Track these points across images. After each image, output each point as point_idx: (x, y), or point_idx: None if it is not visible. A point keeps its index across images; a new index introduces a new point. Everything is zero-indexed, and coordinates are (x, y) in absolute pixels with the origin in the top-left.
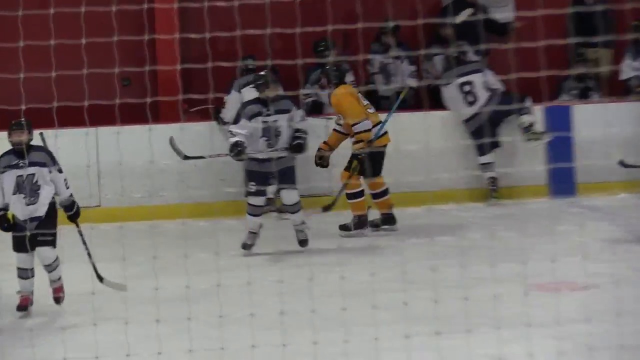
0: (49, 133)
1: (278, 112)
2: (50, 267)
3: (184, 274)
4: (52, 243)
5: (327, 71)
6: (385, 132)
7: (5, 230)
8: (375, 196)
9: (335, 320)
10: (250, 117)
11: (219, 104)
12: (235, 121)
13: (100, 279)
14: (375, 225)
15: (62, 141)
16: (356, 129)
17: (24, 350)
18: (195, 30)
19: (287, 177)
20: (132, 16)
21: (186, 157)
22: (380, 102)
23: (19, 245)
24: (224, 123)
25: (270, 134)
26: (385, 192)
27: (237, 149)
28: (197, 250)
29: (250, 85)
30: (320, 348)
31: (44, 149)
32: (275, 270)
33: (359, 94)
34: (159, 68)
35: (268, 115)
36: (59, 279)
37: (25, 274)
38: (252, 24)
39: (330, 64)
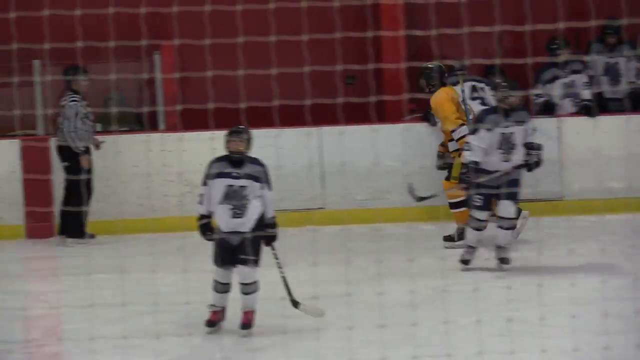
0: (269, 133)
1: (516, 123)
2: (248, 289)
3: (408, 278)
4: (255, 263)
5: (427, 72)
6: None
7: (208, 239)
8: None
9: (564, 328)
10: (491, 129)
11: (412, 106)
12: (474, 131)
13: (295, 304)
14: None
15: (284, 141)
16: (455, 135)
17: (246, 355)
18: (422, 27)
19: (511, 188)
20: (355, 12)
21: (420, 199)
22: (607, 105)
23: (219, 259)
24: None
25: (506, 146)
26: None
27: (467, 179)
28: (422, 255)
29: (491, 92)
30: (549, 356)
31: (260, 162)
32: (502, 276)
33: (460, 95)
34: (384, 66)
35: (507, 126)
36: (253, 307)
37: (220, 287)
38: (480, 21)
39: (430, 65)
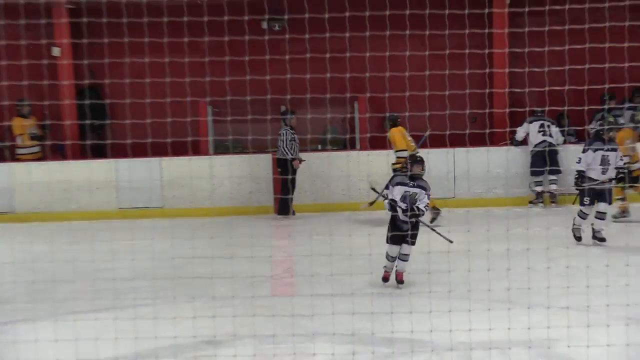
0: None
1: (611, 150)
2: (405, 257)
3: (505, 241)
4: (414, 243)
5: (388, 118)
6: None
7: (392, 213)
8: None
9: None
10: (596, 150)
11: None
12: (584, 150)
13: (450, 241)
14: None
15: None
16: (397, 154)
17: (408, 288)
18: (519, 86)
19: (606, 193)
20: (479, 76)
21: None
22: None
23: (393, 239)
24: (518, 144)
25: (605, 164)
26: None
27: (578, 183)
28: (515, 226)
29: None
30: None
31: (424, 179)
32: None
33: (407, 132)
34: (495, 111)
35: (607, 150)
36: (404, 270)
37: (391, 259)
38: (554, 83)
39: (389, 114)
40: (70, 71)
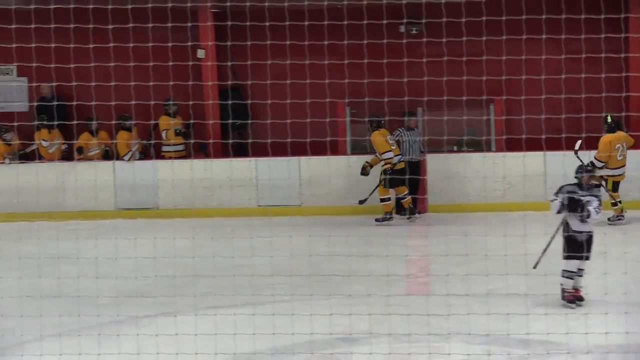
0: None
1: None
2: (581, 273)
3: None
4: (588, 257)
5: (370, 121)
6: (403, 160)
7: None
8: (401, 198)
9: None
10: None
11: None
12: None
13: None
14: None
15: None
16: (383, 156)
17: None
18: None
19: None
20: (616, 80)
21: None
22: None
23: (571, 251)
24: None
25: None
26: (405, 196)
27: None
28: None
29: None
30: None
31: (594, 188)
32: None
33: (388, 135)
34: (630, 114)
35: None
36: (582, 285)
37: (570, 275)
38: None
39: (369, 116)
40: (214, 72)
